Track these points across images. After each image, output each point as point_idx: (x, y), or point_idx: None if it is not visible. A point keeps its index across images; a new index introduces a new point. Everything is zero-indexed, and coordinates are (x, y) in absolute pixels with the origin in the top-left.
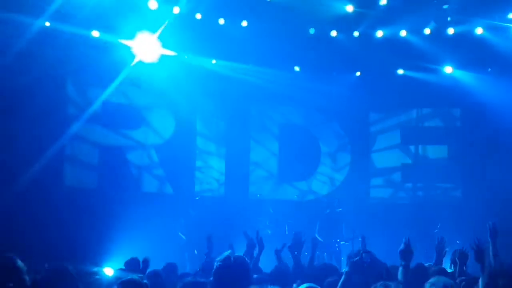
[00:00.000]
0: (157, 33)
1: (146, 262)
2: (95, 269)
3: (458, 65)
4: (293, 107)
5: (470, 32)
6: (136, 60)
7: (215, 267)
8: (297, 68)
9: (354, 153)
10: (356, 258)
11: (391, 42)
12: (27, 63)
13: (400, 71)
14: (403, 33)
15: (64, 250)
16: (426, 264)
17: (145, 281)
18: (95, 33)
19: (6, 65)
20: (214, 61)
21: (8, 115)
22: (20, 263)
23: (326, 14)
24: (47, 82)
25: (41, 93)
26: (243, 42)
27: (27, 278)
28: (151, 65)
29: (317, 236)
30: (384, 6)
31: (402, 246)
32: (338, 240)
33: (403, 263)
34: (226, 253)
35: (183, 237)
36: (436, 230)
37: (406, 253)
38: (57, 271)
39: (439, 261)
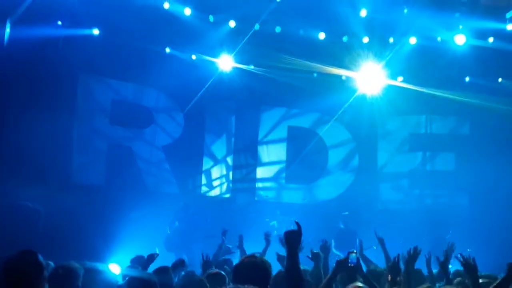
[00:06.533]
0: None
1: (151, 258)
2: (102, 266)
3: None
4: (302, 109)
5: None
6: None
7: (237, 263)
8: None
9: (361, 157)
10: (342, 258)
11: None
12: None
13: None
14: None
15: (70, 247)
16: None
17: (154, 279)
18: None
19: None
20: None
21: (17, 110)
22: (41, 258)
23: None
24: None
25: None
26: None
27: (47, 273)
28: None
29: (334, 251)
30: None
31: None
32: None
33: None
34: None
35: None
36: (448, 235)
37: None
38: (64, 268)
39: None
